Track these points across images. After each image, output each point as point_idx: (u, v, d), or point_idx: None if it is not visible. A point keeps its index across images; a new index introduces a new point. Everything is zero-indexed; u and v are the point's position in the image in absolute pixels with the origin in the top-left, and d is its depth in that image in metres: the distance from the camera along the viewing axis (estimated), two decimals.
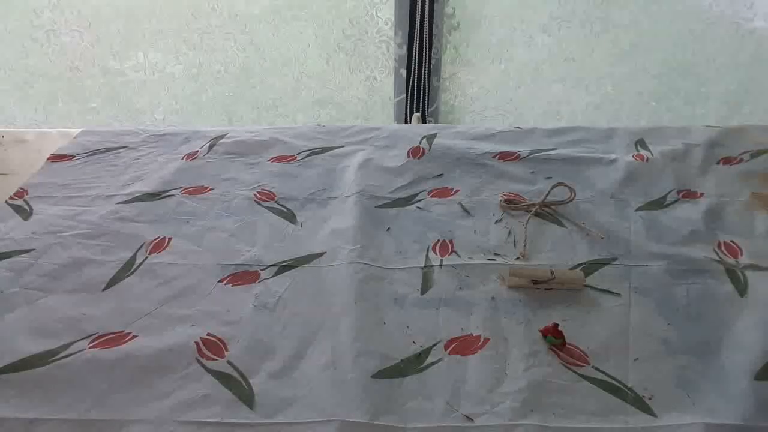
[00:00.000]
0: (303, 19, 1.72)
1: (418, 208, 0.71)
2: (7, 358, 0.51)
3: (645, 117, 1.58)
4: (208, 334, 0.54)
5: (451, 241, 0.65)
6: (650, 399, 0.47)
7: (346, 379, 0.49)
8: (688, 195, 0.72)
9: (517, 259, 0.62)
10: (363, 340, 0.52)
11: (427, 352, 0.52)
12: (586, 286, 0.58)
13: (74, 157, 0.83)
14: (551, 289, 0.57)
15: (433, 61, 1.69)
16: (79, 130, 0.90)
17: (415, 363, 0.51)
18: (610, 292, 0.58)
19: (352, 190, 0.74)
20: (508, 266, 0.60)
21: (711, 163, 0.79)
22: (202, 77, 1.81)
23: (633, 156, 0.80)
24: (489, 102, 1.79)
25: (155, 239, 0.66)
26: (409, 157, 0.82)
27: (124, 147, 0.85)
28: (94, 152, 0.84)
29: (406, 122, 1.75)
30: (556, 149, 0.82)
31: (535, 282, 0.57)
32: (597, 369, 0.50)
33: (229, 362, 0.51)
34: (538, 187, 0.74)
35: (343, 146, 0.85)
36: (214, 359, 0.51)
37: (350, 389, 0.48)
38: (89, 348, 0.52)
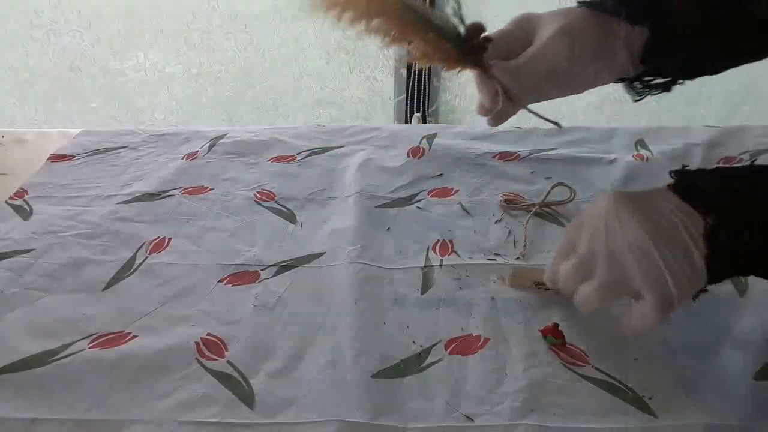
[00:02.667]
0: (303, 19, 1.72)
1: (418, 208, 0.71)
2: (7, 358, 0.51)
3: (645, 117, 1.58)
4: (208, 334, 0.54)
5: (451, 241, 0.65)
6: (650, 399, 0.47)
7: (346, 379, 0.49)
8: None
9: (517, 258, 0.62)
10: (363, 340, 0.52)
11: (427, 352, 0.52)
12: None
13: (74, 157, 0.83)
14: (550, 289, 0.57)
15: None
16: (79, 130, 0.90)
17: (415, 363, 0.51)
18: None
19: (352, 189, 0.74)
20: (508, 266, 0.61)
21: (711, 163, 0.79)
22: (202, 77, 1.81)
23: (633, 156, 0.80)
24: None
25: (155, 239, 0.66)
26: (409, 156, 0.82)
27: (124, 147, 0.85)
28: (94, 152, 0.84)
29: (406, 122, 1.75)
30: (556, 149, 0.82)
31: (537, 284, 0.57)
32: (597, 369, 0.50)
33: (229, 362, 0.51)
34: (538, 187, 0.74)
35: (343, 146, 0.85)
36: (214, 359, 0.51)
37: (350, 389, 0.48)
38: (89, 348, 0.52)
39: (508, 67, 0.55)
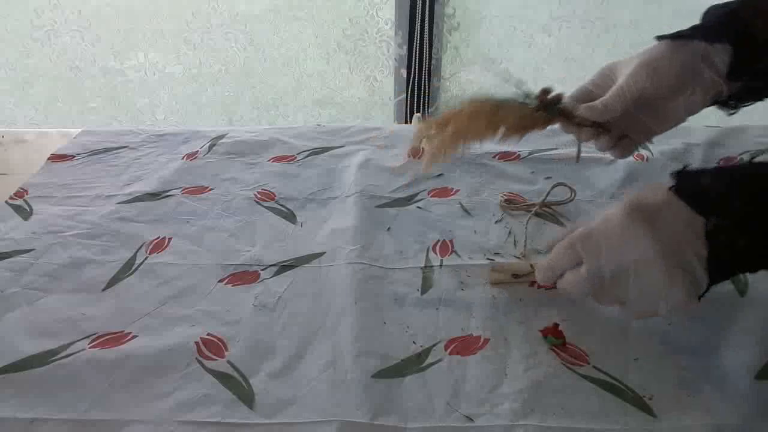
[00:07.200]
0: (303, 19, 1.72)
1: (418, 207, 0.71)
2: (7, 358, 0.51)
3: None
4: (208, 334, 0.54)
5: (451, 241, 0.65)
6: (650, 399, 0.47)
7: (346, 379, 0.49)
8: None
9: (518, 258, 0.62)
10: (363, 340, 0.52)
11: (427, 352, 0.52)
12: None
13: (74, 157, 0.83)
14: (535, 282, 0.57)
15: (433, 61, 1.69)
16: (79, 130, 0.90)
17: (415, 363, 0.51)
18: None
19: (352, 189, 0.74)
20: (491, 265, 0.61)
21: (711, 163, 0.79)
22: (202, 77, 1.81)
23: (633, 156, 0.80)
24: None
25: (155, 239, 0.66)
26: (409, 156, 0.82)
27: (124, 147, 0.86)
28: (94, 152, 0.84)
29: (406, 122, 1.75)
30: (556, 149, 0.82)
31: (515, 276, 0.58)
32: (597, 369, 0.50)
33: (229, 362, 0.51)
34: (538, 187, 0.74)
35: (343, 146, 0.85)
36: (214, 359, 0.51)
37: (350, 389, 0.48)
38: (89, 348, 0.52)
39: (593, 106, 0.60)
